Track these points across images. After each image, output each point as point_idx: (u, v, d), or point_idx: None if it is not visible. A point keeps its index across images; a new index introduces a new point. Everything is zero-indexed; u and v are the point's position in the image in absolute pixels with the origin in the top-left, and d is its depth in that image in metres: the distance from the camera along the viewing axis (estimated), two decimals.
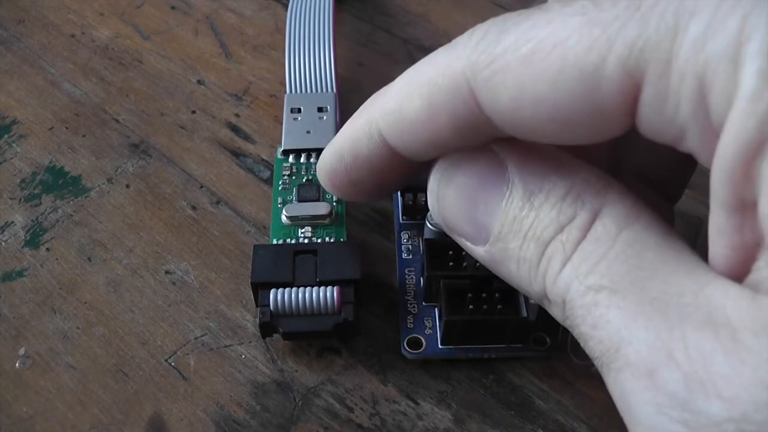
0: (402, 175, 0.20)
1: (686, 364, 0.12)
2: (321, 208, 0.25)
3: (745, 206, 0.12)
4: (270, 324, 0.21)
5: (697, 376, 0.12)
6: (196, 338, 0.23)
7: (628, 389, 0.13)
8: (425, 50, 0.33)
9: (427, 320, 0.23)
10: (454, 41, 0.16)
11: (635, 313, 0.13)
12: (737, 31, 0.11)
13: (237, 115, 0.30)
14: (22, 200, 0.27)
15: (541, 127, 0.15)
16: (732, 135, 0.12)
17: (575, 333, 0.15)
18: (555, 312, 0.16)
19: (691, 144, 0.13)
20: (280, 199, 0.26)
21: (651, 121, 0.13)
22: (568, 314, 0.15)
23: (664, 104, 0.13)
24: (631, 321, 0.13)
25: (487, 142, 0.16)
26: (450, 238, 0.23)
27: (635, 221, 0.14)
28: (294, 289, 0.22)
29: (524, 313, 0.21)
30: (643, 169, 0.19)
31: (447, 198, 0.17)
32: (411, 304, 0.23)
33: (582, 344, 0.15)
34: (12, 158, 0.28)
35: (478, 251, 0.17)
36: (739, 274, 0.13)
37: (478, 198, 0.16)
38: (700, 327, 0.12)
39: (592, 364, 0.15)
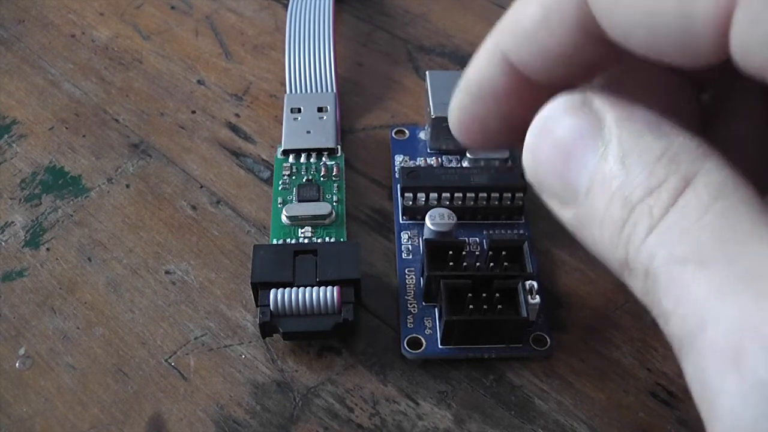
0: (527, 111, 0.19)
1: None
2: (321, 208, 0.25)
3: None
4: (270, 324, 0.21)
5: None
6: (196, 338, 0.23)
7: (711, 374, 0.12)
8: (425, 50, 0.33)
9: (427, 320, 0.23)
10: None
11: (722, 288, 0.12)
12: None
13: (237, 115, 0.30)
14: (22, 200, 0.27)
15: (636, 32, 0.14)
16: None
17: (656, 311, 0.14)
18: (635, 284, 0.15)
19: None
20: (280, 199, 0.26)
21: (741, 43, 0.13)
22: (650, 287, 0.14)
23: (755, 26, 0.12)
24: (718, 297, 0.12)
25: (600, 53, 0.16)
26: (450, 238, 0.23)
27: (731, 193, 0.13)
28: (294, 289, 0.22)
29: (524, 313, 0.21)
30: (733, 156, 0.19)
31: (541, 151, 0.17)
32: (411, 304, 0.23)
33: (662, 324, 0.14)
34: (12, 158, 0.28)
35: (565, 214, 0.17)
36: None
37: (572, 153, 0.16)
38: None
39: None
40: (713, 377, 0.12)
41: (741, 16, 0.12)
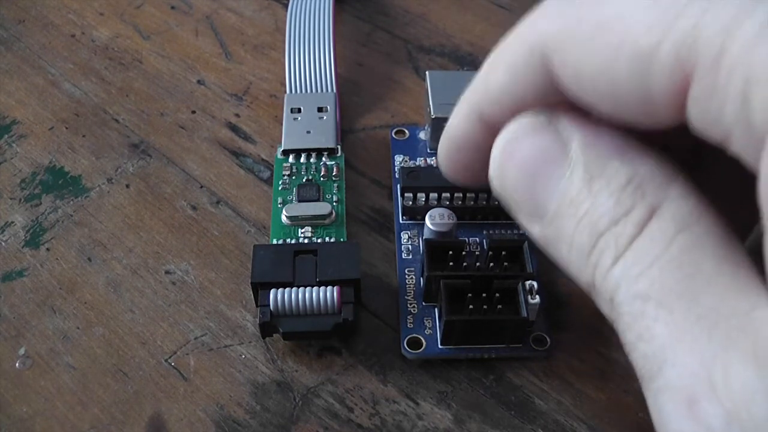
0: None
1: (728, 401, 0.12)
2: (321, 208, 0.25)
3: None
4: (270, 324, 0.21)
5: (739, 416, 0.11)
6: (196, 338, 0.23)
7: (667, 413, 0.13)
8: (425, 50, 0.33)
9: (426, 320, 0.23)
10: (540, 5, 0.16)
11: (681, 332, 0.13)
12: None
13: (237, 115, 0.30)
14: (22, 200, 0.27)
15: (599, 100, 0.15)
16: None
17: (621, 337, 0.14)
18: (602, 306, 0.15)
19: (737, 148, 0.12)
20: (280, 199, 0.26)
21: (698, 116, 0.13)
22: (615, 317, 0.14)
23: (710, 102, 0.12)
24: (676, 340, 0.13)
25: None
26: (450, 238, 0.23)
27: (695, 223, 0.13)
28: (294, 289, 0.22)
29: (524, 313, 0.21)
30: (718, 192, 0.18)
31: (507, 170, 0.17)
32: (411, 304, 0.23)
33: (626, 350, 0.14)
34: (12, 158, 0.28)
35: (533, 229, 0.17)
36: None
37: (538, 175, 0.16)
38: (744, 358, 0.12)
39: None
40: (669, 416, 0.13)
41: (694, 96, 0.13)
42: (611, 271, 0.14)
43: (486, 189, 0.22)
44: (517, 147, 0.17)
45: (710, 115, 0.13)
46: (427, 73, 0.27)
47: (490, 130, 0.18)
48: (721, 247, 0.13)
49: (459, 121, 0.19)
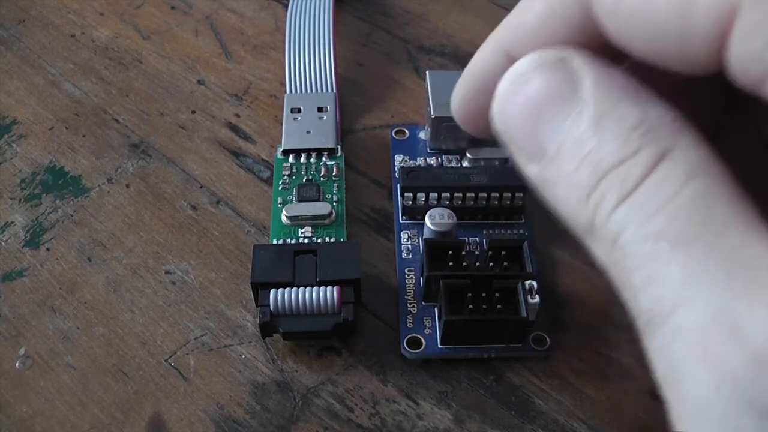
0: None
1: (753, 342, 0.11)
2: (321, 208, 0.25)
3: None
4: (270, 324, 0.21)
5: (763, 360, 0.11)
6: (196, 338, 0.23)
7: (679, 359, 0.12)
8: (425, 50, 0.33)
9: (426, 320, 0.23)
10: None
11: (699, 272, 0.12)
12: None
13: (237, 115, 0.30)
14: (22, 200, 0.27)
15: (635, 37, 0.14)
16: None
17: (619, 281, 0.14)
18: (599, 251, 0.14)
19: None
20: (280, 199, 0.26)
21: (738, 53, 0.12)
22: (617, 259, 0.14)
23: (754, 36, 0.12)
24: (694, 281, 0.12)
25: (601, 52, 0.16)
26: (450, 238, 0.23)
27: (707, 173, 0.13)
28: (294, 289, 0.22)
29: (524, 313, 0.21)
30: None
31: (512, 106, 0.16)
32: (411, 303, 0.23)
33: (627, 297, 0.14)
34: (12, 158, 0.28)
35: (531, 170, 0.16)
36: None
37: (543, 112, 0.15)
38: None
39: None
40: (681, 361, 0.12)
41: (739, 29, 0.12)
42: (616, 212, 0.14)
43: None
44: (526, 82, 0.16)
45: (753, 52, 0.12)
46: (427, 73, 0.27)
47: None
48: (734, 201, 0.13)
49: (485, 59, 0.18)
